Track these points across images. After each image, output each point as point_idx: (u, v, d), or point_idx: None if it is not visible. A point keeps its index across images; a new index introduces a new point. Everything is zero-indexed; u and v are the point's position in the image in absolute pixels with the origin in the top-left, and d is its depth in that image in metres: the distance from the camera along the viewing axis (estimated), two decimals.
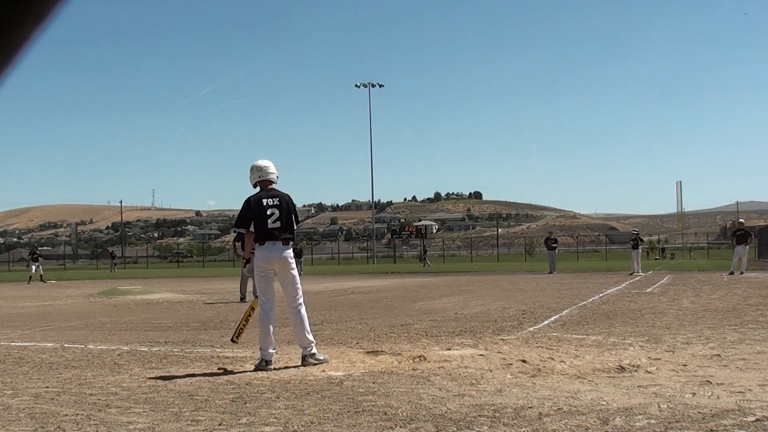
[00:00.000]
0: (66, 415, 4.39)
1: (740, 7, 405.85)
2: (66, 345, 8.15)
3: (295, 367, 6.15)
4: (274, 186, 6.63)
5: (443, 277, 27.83)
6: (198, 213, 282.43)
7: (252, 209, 6.45)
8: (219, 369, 6.18)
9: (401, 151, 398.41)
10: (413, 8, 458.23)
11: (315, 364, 6.16)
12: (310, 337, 6.34)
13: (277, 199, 6.48)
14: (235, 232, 6.85)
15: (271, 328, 6.31)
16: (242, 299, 15.66)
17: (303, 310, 6.41)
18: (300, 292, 6.48)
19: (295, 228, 6.66)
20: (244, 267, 6.47)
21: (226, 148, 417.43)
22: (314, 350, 6.31)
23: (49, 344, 8.25)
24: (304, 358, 6.27)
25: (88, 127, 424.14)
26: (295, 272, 6.53)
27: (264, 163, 6.66)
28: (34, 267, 31.28)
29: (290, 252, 6.52)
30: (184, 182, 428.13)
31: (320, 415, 4.23)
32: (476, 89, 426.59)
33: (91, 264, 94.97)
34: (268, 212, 6.40)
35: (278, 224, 6.40)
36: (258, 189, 6.63)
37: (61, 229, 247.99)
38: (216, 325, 10.43)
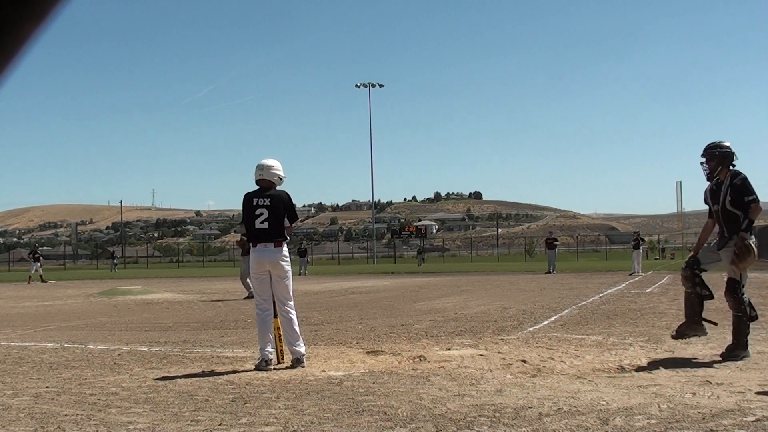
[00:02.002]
0: (66, 415, 4.39)
1: (741, 7, 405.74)
2: (66, 345, 8.15)
3: (294, 367, 6.16)
4: (276, 187, 6.58)
5: (443, 277, 27.83)
6: (198, 213, 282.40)
7: (243, 208, 6.51)
8: (204, 371, 6.18)
9: (401, 151, 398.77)
10: (413, 8, 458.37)
11: (303, 368, 6.13)
12: (300, 342, 6.33)
13: (269, 199, 6.40)
14: (235, 232, 6.89)
15: (269, 327, 6.31)
16: (250, 296, 15.74)
17: (293, 315, 6.39)
18: (291, 300, 6.45)
19: (292, 225, 6.61)
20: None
21: (226, 148, 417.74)
22: (303, 353, 6.29)
23: (49, 344, 8.25)
24: (295, 360, 6.26)
25: (88, 127, 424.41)
26: (290, 279, 6.49)
27: (269, 162, 6.59)
28: (34, 267, 31.30)
29: (283, 254, 6.43)
30: (184, 182, 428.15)
31: (320, 415, 4.23)
32: (476, 89, 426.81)
33: (91, 264, 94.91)
34: (257, 212, 6.37)
35: (265, 225, 6.35)
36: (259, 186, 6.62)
37: (61, 229, 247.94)
38: (216, 325, 10.43)
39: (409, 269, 41.16)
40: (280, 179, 6.60)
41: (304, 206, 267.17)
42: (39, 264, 31.52)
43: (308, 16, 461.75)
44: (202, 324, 10.70)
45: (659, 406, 4.23)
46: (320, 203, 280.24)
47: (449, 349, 7.06)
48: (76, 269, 68.22)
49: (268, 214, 6.37)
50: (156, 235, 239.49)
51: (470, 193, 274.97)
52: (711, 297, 6.43)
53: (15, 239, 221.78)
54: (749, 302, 6.18)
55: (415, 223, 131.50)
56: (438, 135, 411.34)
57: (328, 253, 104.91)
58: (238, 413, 4.35)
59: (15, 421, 4.26)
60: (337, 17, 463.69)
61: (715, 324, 6.55)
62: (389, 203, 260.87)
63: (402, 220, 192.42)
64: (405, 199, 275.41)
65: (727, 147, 6.28)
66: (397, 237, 77.20)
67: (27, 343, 8.39)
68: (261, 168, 6.54)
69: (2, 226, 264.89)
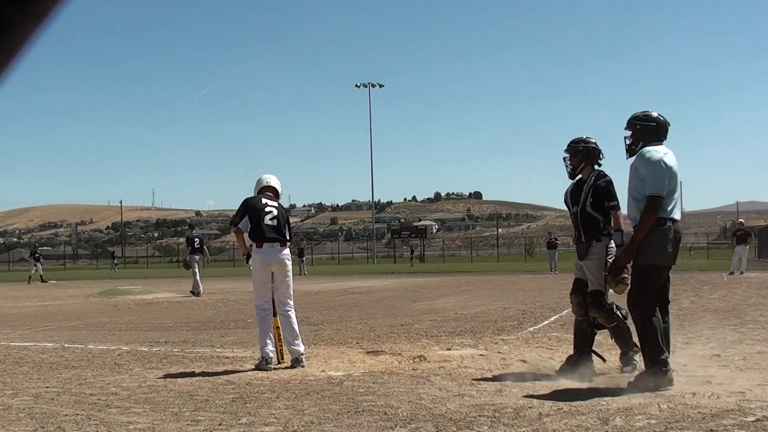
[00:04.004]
0: (66, 415, 4.40)
1: (741, 7, 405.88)
2: (66, 345, 8.15)
3: (294, 367, 6.16)
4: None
5: (443, 277, 27.83)
6: (198, 213, 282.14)
7: (247, 207, 6.52)
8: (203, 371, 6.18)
9: (401, 151, 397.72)
10: (413, 8, 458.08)
11: (303, 367, 6.14)
12: (300, 341, 6.35)
13: (276, 202, 6.61)
14: (233, 228, 6.91)
15: (269, 327, 6.32)
16: (197, 293, 17.85)
17: (293, 315, 6.43)
18: (292, 300, 6.50)
19: (288, 239, 6.69)
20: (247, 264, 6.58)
21: (226, 148, 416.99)
22: (302, 353, 6.31)
23: (49, 344, 8.26)
24: (295, 360, 6.27)
25: (88, 127, 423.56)
26: (291, 279, 6.55)
27: (275, 178, 6.82)
28: (34, 267, 31.25)
29: (287, 254, 6.53)
30: (184, 182, 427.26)
31: (320, 415, 4.23)
32: (476, 89, 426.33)
33: (91, 264, 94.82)
34: (267, 209, 6.45)
35: (275, 222, 6.44)
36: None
37: (61, 229, 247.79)
38: (216, 325, 10.43)
39: (408, 269, 41.20)
40: (281, 193, 6.83)
41: (304, 206, 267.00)
42: (39, 263, 31.50)
43: (308, 15, 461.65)
44: (202, 324, 10.70)
45: (659, 406, 4.23)
46: (320, 203, 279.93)
47: (449, 349, 7.06)
48: (76, 269, 68.20)
49: (277, 212, 6.50)
50: (156, 235, 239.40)
51: (470, 193, 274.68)
52: (610, 324, 5.69)
53: (15, 239, 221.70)
54: (623, 314, 5.64)
55: (415, 223, 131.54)
56: (438, 135, 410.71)
57: (328, 253, 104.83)
58: (238, 413, 4.35)
59: (15, 421, 4.26)
60: (337, 17, 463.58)
61: (604, 360, 5.75)
62: (389, 203, 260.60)
63: (402, 220, 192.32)
64: (405, 199, 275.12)
65: (593, 143, 5.85)
66: (397, 237, 77.21)
67: (27, 343, 8.39)
68: (268, 179, 6.77)
69: (2, 226, 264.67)
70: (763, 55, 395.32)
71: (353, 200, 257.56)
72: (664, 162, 5.00)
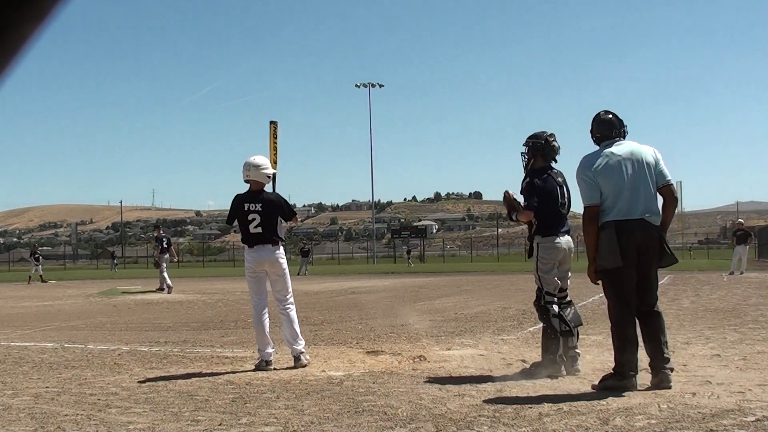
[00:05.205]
0: (66, 415, 4.40)
1: (741, 7, 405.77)
2: (66, 345, 8.15)
3: (294, 367, 6.16)
4: (265, 186, 6.53)
5: (443, 277, 27.83)
6: (198, 213, 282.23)
7: (236, 211, 6.48)
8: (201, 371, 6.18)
9: (401, 151, 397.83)
10: (413, 8, 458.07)
11: (305, 365, 6.15)
12: (300, 339, 6.33)
13: (260, 204, 6.36)
14: (235, 232, 6.89)
15: (267, 327, 6.31)
16: (166, 290, 18.90)
17: (293, 313, 6.41)
18: (290, 296, 6.47)
19: (290, 222, 6.64)
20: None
21: (227, 148, 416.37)
22: (303, 351, 6.30)
23: (49, 344, 8.26)
24: (296, 359, 6.26)
25: (88, 127, 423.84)
26: (287, 276, 6.51)
27: (259, 160, 6.49)
28: (34, 267, 31.24)
29: (280, 253, 6.47)
30: (184, 182, 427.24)
31: (320, 415, 4.23)
32: (476, 89, 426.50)
33: (91, 264, 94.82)
34: (249, 218, 6.36)
35: (259, 230, 6.35)
36: (248, 186, 6.53)
37: (61, 229, 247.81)
38: (216, 325, 10.43)
39: (408, 269, 41.19)
40: (268, 177, 6.54)
41: (304, 206, 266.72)
42: (39, 264, 31.49)
43: (308, 15, 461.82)
44: (202, 324, 10.70)
45: (659, 406, 4.23)
46: (320, 203, 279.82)
47: (449, 349, 7.06)
48: (76, 269, 68.16)
49: (261, 219, 6.34)
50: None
51: (470, 193, 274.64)
52: (570, 333, 5.50)
53: (15, 239, 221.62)
54: (558, 314, 5.47)
55: (415, 223, 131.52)
56: (438, 135, 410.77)
57: (328, 253, 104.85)
58: (238, 413, 4.35)
59: (15, 421, 4.26)
60: (337, 17, 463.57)
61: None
62: (389, 203, 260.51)
63: (402, 220, 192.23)
64: (405, 199, 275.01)
65: (542, 139, 5.67)
66: (397, 237, 77.27)
67: (27, 343, 8.39)
68: (248, 168, 6.43)
69: (2, 226, 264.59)
70: (764, 54, 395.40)
71: (353, 200, 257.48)
72: (590, 169, 4.95)
